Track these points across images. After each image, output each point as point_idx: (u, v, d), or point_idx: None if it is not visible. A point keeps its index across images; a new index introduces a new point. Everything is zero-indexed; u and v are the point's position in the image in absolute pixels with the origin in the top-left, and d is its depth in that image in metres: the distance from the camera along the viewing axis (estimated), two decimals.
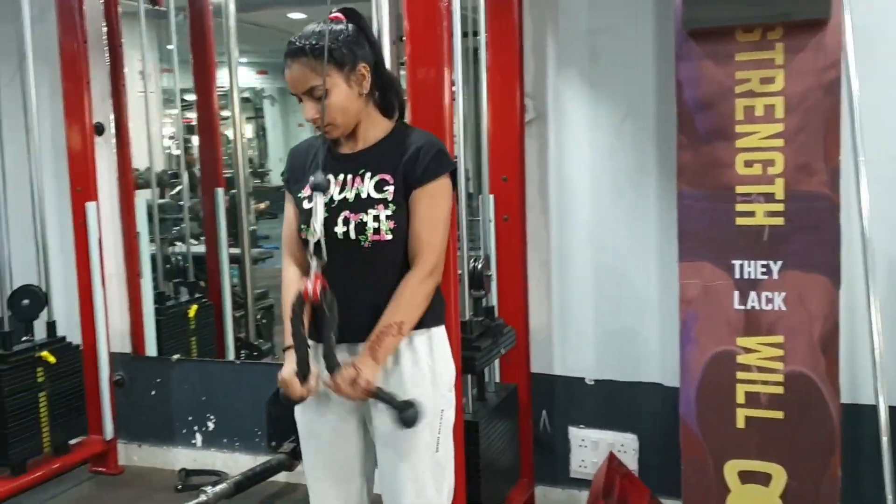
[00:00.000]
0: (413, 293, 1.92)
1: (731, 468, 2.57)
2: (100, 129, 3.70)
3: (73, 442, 3.63)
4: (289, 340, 1.96)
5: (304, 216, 1.97)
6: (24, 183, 3.58)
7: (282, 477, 3.43)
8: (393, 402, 1.88)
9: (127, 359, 3.87)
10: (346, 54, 1.90)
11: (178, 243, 4.49)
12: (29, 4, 3.44)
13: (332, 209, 1.93)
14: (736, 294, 2.52)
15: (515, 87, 3.03)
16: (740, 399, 2.54)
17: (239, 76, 4.47)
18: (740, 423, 2.55)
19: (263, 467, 3.35)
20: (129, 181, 3.87)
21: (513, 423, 3.00)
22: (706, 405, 2.58)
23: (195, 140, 4.71)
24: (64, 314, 3.67)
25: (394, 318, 1.89)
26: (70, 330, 3.64)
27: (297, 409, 2.06)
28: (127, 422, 3.84)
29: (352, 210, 1.92)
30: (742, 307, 2.52)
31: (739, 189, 2.49)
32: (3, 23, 3.70)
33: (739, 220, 2.50)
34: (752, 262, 2.50)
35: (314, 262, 1.85)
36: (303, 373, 1.87)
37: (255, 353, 4.39)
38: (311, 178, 1.89)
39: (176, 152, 5.01)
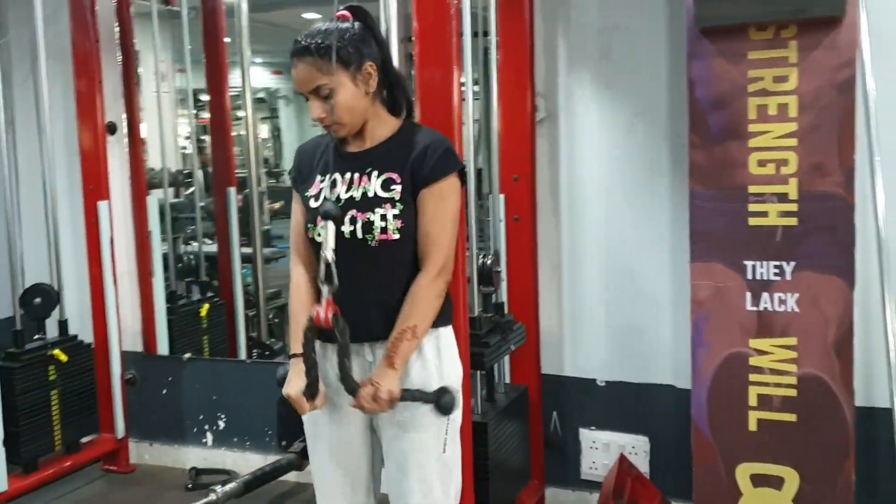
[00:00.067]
0: (423, 295, 1.91)
1: (743, 471, 2.54)
2: (112, 129, 3.71)
3: (84, 440, 3.64)
4: (295, 347, 1.96)
5: (311, 215, 1.96)
6: (37, 182, 3.59)
7: (292, 476, 3.42)
8: (425, 398, 1.89)
9: (139, 357, 3.88)
10: (352, 53, 1.89)
11: (193, 242, 4.49)
12: (42, 5, 3.45)
13: (339, 208, 1.92)
14: (748, 295, 2.49)
15: (526, 86, 3.01)
16: (752, 401, 2.51)
17: (254, 76, 4.47)
18: (752, 426, 2.52)
19: (273, 467, 3.34)
20: (141, 180, 3.88)
21: (523, 425, 2.98)
22: (718, 408, 2.56)
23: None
24: (76, 313, 3.68)
25: (407, 322, 1.89)
26: (82, 328, 3.65)
27: None
28: (138, 420, 3.84)
29: (359, 209, 1.91)
30: (754, 308, 2.49)
31: (752, 189, 2.46)
32: (17, 23, 3.73)
33: (752, 221, 2.47)
34: (765, 262, 2.47)
35: (325, 289, 1.83)
36: (311, 393, 1.88)
37: (267, 353, 4.38)
38: (322, 205, 1.88)
39: (190, 152, 5.01)
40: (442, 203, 1.93)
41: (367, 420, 2.03)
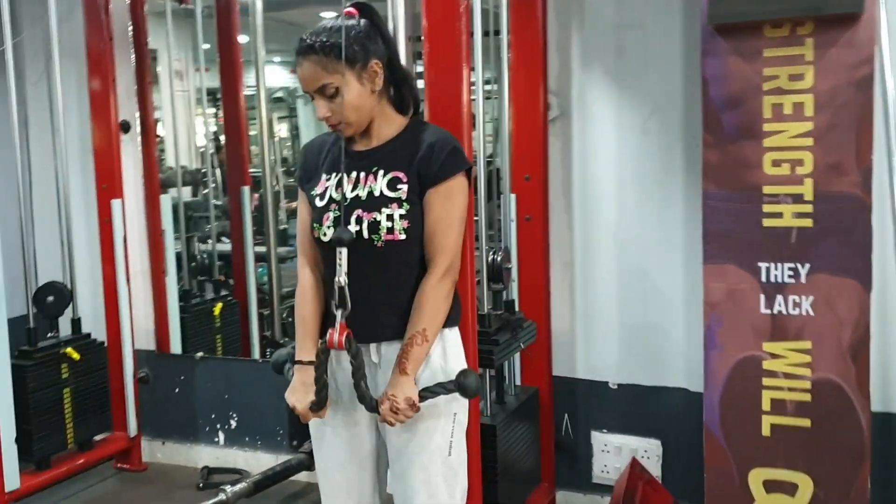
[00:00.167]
0: (431, 297, 1.89)
1: (756, 477, 2.50)
2: (125, 127, 3.72)
3: (97, 438, 3.65)
4: (300, 354, 1.95)
5: (317, 214, 1.95)
6: (50, 180, 3.61)
7: (303, 476, 3.41)
8: (446, 388, 1.88)
9: (151, 356, 3.88)
10: (357, 51, 1.87)
11: (209, 241, 4.50)
12: (56, 3, 3.46)
13: (345, 207, 1.90)
14: (762, 298, 2.44)
15: (539, 85, 2.98)
16: (766, 406, 2.46)
17: (271, 76, 4.45)
18: (766, 431, 2.47)
19: (283, 466, 3.34)
20: (154, 179, 3.89)
21: (533, 427, 2.95)
22: (731, 412, 2.51)
23: None
24: (90, 311, 3.70)
25: (416, 327, 1.88)
26: (95, 327, 3.66)
27: None
28: (151, 419, 3.85)
29: (364, 209, 1.90)
30: (768, 311, 2.44)
31: (767, 189, 2.41)
32: (31, 22, 3.74)
33: (766, 222, 2.42)
34: (780, 264, 2.42)
35: (339, 313, 1.83)
36: (319, 407, 1.90)
37: None
38: (336, 232, 1.86)
39: (209, 150, 5.02)
40: (449, 203, 1.91)
41: (373, 421, 2.01)
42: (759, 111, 2.39)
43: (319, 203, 1.95)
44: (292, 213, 6.93)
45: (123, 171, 3.67)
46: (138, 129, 3.80)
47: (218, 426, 3.80)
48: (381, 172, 1.92)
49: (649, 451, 3.06)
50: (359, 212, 1.89)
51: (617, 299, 3.07)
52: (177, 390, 3.86)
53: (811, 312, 2.40)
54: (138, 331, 3.79)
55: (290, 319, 4.73)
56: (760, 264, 2.44)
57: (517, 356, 3.02)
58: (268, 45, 4.27)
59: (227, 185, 4.53)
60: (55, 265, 3.60)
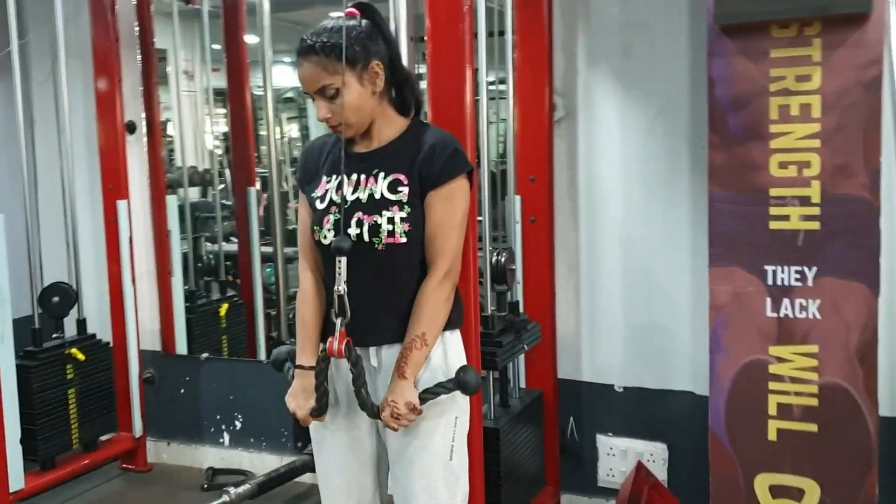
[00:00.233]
0: (430, 300, 1.88)
1: (762, 482, 2.47)
2: (131, 128, 3.72)
3: (104, 438, 3.65)
4: (301, 358, 1.95)
5: (317, 216, 1.94)
6: (56, 181, 3.61)
7: (307, 478, 3.40)
8: (446, 388, 1.88)
9: (157, 356, 3.88)
10: (358, 52, 1.86)
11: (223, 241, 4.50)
12: (62, 4, 3.47)
13: (346, 210, 1.89)
14: (768, 301, 2.41)
15: (544, 85, 2.96)
16: (772, 410, 2.43)
17: (282, 76, 4.44)
18: (772, 436, 2.44)
19: (288, 468, 3.33)
20: (160, 179, 3.88)
21: (537, 430, 2.93)
22: (736, 416, 2.48)
23: None
24: (95, 312, 3.70)
25: (416, 331, 1.87)
26: (101, 327, 3.66)
27: None
28: (156, 419, 3.85)
29: (365, 211, 1.88)
30: (775, 315, 2.41)
31: (773, 192, 2.38)
32: (38, 22, 3.74)
33: (773, 224, 2.39)
34: (786, 267, 2.39)
35: (339, 321, 1.82)
36: (319, 414, 1.90)
37: None
38: (335, 241, 1.85)
39: (219, 151, 5.01)
40: (450, 205, 1.90)
41: (374, 424, 2.00)
42: (766, 112, 2.36)
43: (320, 205, 1.94)
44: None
45: (129, 172, 3.67)
46: (144, 129, 3.79)
47: (223, 427, 3.79)
48: (381, 175, 1.91)
49: (655, 455, 3.04)
50: (359, 214, 1.88)
51: (622, 301, 3.05)
52: (182, 391, 3.86)
53: (818, 316, 2.37)
54: (144, 331, 3.79)
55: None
56: (767, 267, 2.41)
57: (522, 358, 3.00)
58: (277, 46, 4.26)
59: (234, 185, 4.53)
60: (61, 266, 3.60)
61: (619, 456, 3.09)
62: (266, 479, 3.24)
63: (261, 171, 4.57)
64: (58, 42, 3.47)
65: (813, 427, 2.40)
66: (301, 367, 1.95)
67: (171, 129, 4.30)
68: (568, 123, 3.04)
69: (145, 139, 3.81)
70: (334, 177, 1.94)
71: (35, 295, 3.42)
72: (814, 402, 2.39)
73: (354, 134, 1.93)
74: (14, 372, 3.10)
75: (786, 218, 2.38)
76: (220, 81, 4.41)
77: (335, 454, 2.02)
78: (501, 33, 2.93)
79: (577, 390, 3.14)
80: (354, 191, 1.91)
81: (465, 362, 1.98)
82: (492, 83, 3.36)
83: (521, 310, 2.92)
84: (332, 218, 1.90)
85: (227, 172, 4.65)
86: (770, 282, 2.41)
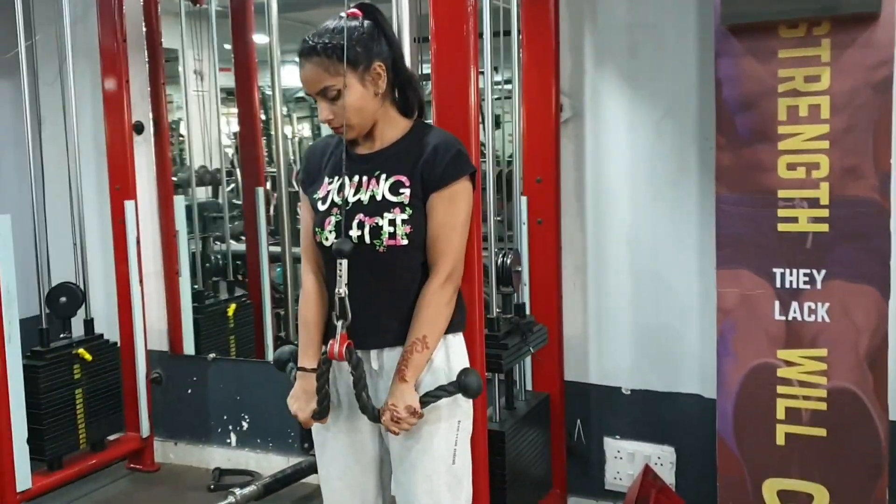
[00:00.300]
0: (432, 303, 1.87)
1: (770, 487, 2.45)
2: (139, 128, 3.72)
3: (111, 438, 3.65)
4: (303, 360, 1.94)
5: (319, 218, 1.93)
6: (64, 181, 3.62)
7: (313, 479, 3.39)
8: (449, 392, 1.86)
9: (164, 357, 3.88)
10: (360, 53, 1.84)
11: (233, 241, 4.50)
12: (70, 4, 3.47)
13: (347, 212, 1.88)
14: (776, 304, 2.39)
15: (551, 85, 2.93)
16: (780, 415, 2.42)
17: (292, 75, 4.41)
18: (780, 440, 2.42)
19: (294, 469, 3.33)
20: (168, 180, 3.88)
21: (544, 433, 2.91)
22: (744, 420, 2.46)
23: None
24: (103, 312, 3.71)
25: (417, 333, 1.85)
26: (109, 327, 3.66)
27: None
28: (163, 419, 3.85)
29: (366, 213, 1.87)
30: (783, 318, 2.39)
31: (781, 193, 2.36)
32: (47, 22, 3.74)
33: (781, 227, 2.37)
34: (794, 270, 2.37)
35: (339, 324, 1.82)
36: (320, 416, 1.90)
37: None
38: (336, 243, 1.84)
39: (230, 151, 5.01)
40: (452, 207, 1.88)
41: (376, 427, 1.99)
42: (774, 113, 2.34)
43: (321, 207, 1.93)
44: None
45: (137, 172, 3.67)
46: (151, 129, 3.79)
47: (230, 427, 3.79)
48: (383, 176, 1.89)
49: (663, 458, 3.01)
50: (360, 216, 1.87)
51: (630, 303, 3.03)
52: (189, 391, 3.86)
53: (827, 319, 2.35)
54: (151, 332, 3.79)
55: None
56: (775, 270, 2.39)
57: (528, 361, 2.98)
58: (286, 46, 4.25)
59: (242, 185, 4.53)
60: (68, 266, 3.60)
61: (626, 459, 3.07)
62: (272, 480, 3.24)
63: (271, 171, 4.56)
64: (65, 43, 3.48)
65: (822, 431, 2.38)
66: (303, 369, 1.94)
67: (182, 129, 4.30)
68: (575, 124, 3.02)
69: (153, 139, 3.80)
70: (336, 178, 1.93)
71: (42, 295, 3.43)
72: (822, 406, 2.37)
73: (356, 135, 1.92)
74: (21, 372, 3.09)
75: (794, 220, 2.36)
76: (231, 81, 4.41)
77: (337, 457, 2.00)
78: (507, 33, 2.91)
79: (584, 393, 3.11)
80: (356, 192, 1.90)
81: (467, 365, 1.96)
82: (497, 83, 3.35)
83: (528, 312, 2.91)
84: (333, 220, 1.88)
85: (238, 172, 4.65)
86: (778, 284, 2.39)
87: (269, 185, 4.50)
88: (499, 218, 3.18)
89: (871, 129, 2.27)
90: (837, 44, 2.27)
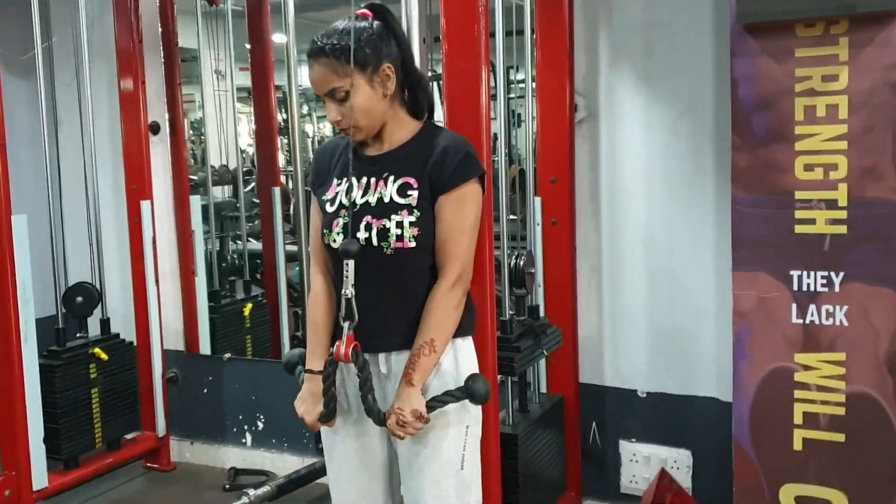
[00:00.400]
0: (440, 306, 1.85)
1: (787, 492, 2.41)
2: (155, 129, 3.73)
3: (127, 438, 3.67)
4: (311, 363, 1.94)
5: (327, 220, 1.92)
6: (81, 181, 3.63)
7: (327, 480, 3.38)
8: (456, 398, 1.85)
9: (181, 356, 3.90)
10: (368, 54, 1.83)
11: (251, 240, 4.50)
12: (86, 5, 3.49)
13: (354, 213, 1.87)
14: (794, 307, 2.35)
15: (565, 85, 2.90)
16: (798, 419, 2.38)
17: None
18: (797, 445, 2.38)
19: (308, 470, 3.33)
20: (184, 180, 3.89)
21: (558, 436, 2.88)
22: (761, 425, 2.43)
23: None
24: (119, 311, 3.72)
25: (424, 337, 1.84)
26: (125, 327, 3.68)
27: None
28: (179, 419, 3.87)
29: (374, 215, 1.85)
30: (800, 321, 2.35)
31: (799, 195, 2.32)
32: (64, 23, 3.77)
33: (798, 228, 2.33)
34: (812, 273, 2.33)
35: (346, 325, 1.81)
36: (327, 419, 1.89)
37: None
38: (343, 244, 1.83)
39: (251, 150, 5.02)
40: (461, 210, 1.86)
41: (385, 431, 1.97)
42: (791, 113, 2.30)
43: (330, 209, 1.92)
44: None
45: (153, 172, 3.68)
46: (167, 129, 3.80)
47: (245, 427, 3.80)
48: (391, 178, 1.88)
49: (679, 462, 2.98)
50: (368, 218, 1.85)
51: (646, 304, 2.99)
52: (205, 391, 3.87)
53: (845, 322, 2.31)
54: (167, 331, 3.80)
55: None
56: (792, 272, 2.35)
57: (542, 363, 2.96)
58: (303, 45, 4.24)
59: (258, 185, 4.53)
60: (84, 266, 3.62)
61: (642, 462, 3.04)
62: (286, 480, 3.24)
63: (291, 170, 4.55)
64: (82, 44, 3.49)
65: (840, 437, 2.34)
66: (310, 371, 1.93)
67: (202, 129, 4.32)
68: (590, 124, 2.99)
69: (168, 139, 3.81)
70: (344, 180, 1.92)
71: (59, 295, 3.45)
72: (841, 411, 2.33)
73: (365, 137, 1.91)
74: (38, 371, 3.11)
75: (811, 221, 2.32)
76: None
77: (345, 461, 2.00)
78: (520, 32, 2.88)
79: (599, 395, 3.08)
80: (364, 194, 1.89)
81: (476, 370, 1.94)
82: (518, 82, 3.32)
83: (542, 313, 2.88)
84: (341, 221, 1.87)
85: (256, 171, 4.65)
86: (795, 287, 2.35)
87: (290, 185, 4.50)
88: (517, 217, 3.15)
89: (890, 129, 2.22)
90: (855, 42, 2.22)
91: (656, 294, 2.97)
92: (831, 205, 2.28)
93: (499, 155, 2.59)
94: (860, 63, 2.22)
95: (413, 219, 1.83)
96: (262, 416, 3.76)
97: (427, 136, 1.92)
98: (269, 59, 4.35)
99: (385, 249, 1.84)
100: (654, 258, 2.96)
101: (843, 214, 2.27)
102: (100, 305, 3.56)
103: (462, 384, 1.87)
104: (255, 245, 4.45)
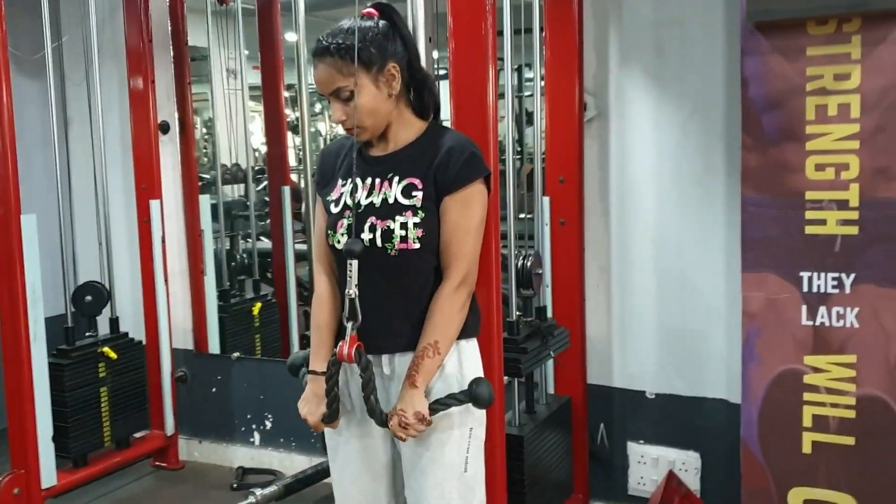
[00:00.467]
0: (444, 308, 1.83)
1: (796, 495, 2.39)
2: (164, 128, 3.74)
3: (136, 436, 3.68)
4: (314, 364, 1.93)
5: (332, 220, 1.90)
6: (91, 180, 3.65)
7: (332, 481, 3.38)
8: (459, 401, 1.83)
9: (189, 355, 3.90)
10: (374, 54, 1.81)
11: (262, 239, 4.50)
12: (96, 5, 3.49)
13: (359, 214, 1.85)
14: (804, 308, 2.33)
15: (575, 84, 2.88)
16: (807, 422, 2.35)
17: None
18: (806, 448, 2.36)
19: (315, 470, 3.32)
20: (193, 179, 3.89)
21: (565, 437, 2.86)
22: (770, 427, 2.40)
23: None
24: (129, 310, 3.73)
25: (428, 339, 1.82)
26: (134, 326, 3.68)
27: None
28: (188, 418, 3.87)
29: (378, 216, 1.84)
30: (810, 323, 2.32)
31: (809, 195, 2.29)
32: (74, 23, 3.78)
33: (809, 229, 2.30)
34: (822, 274, 2.30)
35: (349, 325, 1.79)
36: (330, 420, 1.88)
37: None
38: (347, 244, 1.82)
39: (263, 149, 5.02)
40: (466, 211, 1.84)
41: (389, 433, 1.95)
42: (802, 112, 2.27)
43: (334, 209, 1.91)
44: None
45: (162, 172, 3.69)
46: (177, 129, 3.81)
47: (253, 426, 3.80)
48: (395, 179, 1.86)
49: (687, 464, 2.95)
50: (372, 219, 1.84)
51: (655, 305, 2.97)
52: (214, 390, 3.87)
53: (856, 325, 2.28)
54: (177, 330, 3.81)
55: None
56: (802, 273, 2.33)
57: (550, 364, 2.94)
58: (314, 44, 4.23)
59: (268, 184, 4.53)
60: (94, 265, 3.64)
61: (650, 464, 3.01)
62: (293, 480, 3.23)
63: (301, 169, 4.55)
64: (92, 43, 3.50)
65: (850, 440, 2.31)
66: (314, 372, 1.92)
67: (217, 127, 4.31)
68: (599, 123, 2.97)
69: (178, 139, 3.81)
70: (349, 180, 1.90)
71: (68, 294, 3.46)
72: (851, 414, 2.31)
73: (370, 137, 1.89)
74: (47, 370, 3.12)
75: (822, 222, 2.29)
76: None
77: (348, 462, 1.98)
78: (529, 30, 2.86)
79: (607, 396, 3.06)
80: (368, 195, 1.87)
81: (480, 372, 1.93)
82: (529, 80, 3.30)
83: (550, 314, 2.86)
84: (345, 222, 1.86)
85: (267, 170, 4.64)
86: (805, 289, 2.33)
87: (302, 184, 4.49)
88: (529, 216, 3.13)
89: None
90: (868, 41, 2.19)
91: (666, 295, 2.95)
92: (843, 205, 2.25)
93: (506, 154, 2.56)
94: (873, 61, 2.19)
95: (417, 220, 1.82)
96: (270, 416, 3.76)
97: (432, 136, 1.91)
98: (280, 58, 4.34)
99: (389, 250, 1.82)
100: (663, 259, 2.94)
101: (854, 215, 2.25)
102: (109, 304, 3.56)
103: (466, 387, 1.86)
104: (266, 244, 4.45)
